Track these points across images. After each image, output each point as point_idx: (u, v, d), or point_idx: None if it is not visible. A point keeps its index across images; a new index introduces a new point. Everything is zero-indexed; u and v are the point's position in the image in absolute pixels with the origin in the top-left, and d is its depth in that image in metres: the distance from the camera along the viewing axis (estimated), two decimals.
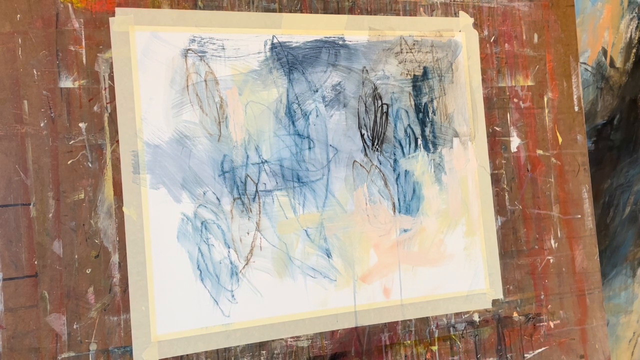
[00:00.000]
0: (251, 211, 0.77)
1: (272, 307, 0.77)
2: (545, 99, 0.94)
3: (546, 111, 0.94)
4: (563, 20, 0.97)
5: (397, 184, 0.84)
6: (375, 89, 0.84)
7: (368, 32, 0.85)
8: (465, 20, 0.90)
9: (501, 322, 0.89)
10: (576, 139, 0.95)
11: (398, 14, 0.87)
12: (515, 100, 0.92)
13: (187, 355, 0.73)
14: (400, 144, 0.85)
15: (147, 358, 0.71)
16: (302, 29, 0.81)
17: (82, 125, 0.71)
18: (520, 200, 0.92)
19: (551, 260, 0.93)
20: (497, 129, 0.91)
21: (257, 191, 0.77)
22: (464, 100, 0.89)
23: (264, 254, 0.77)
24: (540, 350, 0.91)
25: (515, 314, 0.90)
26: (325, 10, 0.83)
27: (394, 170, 0.84)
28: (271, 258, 0.77)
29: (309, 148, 0.80)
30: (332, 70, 0.82)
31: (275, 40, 0.80)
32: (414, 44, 0.87)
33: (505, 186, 0.91)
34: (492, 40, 0.92)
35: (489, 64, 0.92)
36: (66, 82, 0.71)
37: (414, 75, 0.87)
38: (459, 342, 0.86)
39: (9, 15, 0.69)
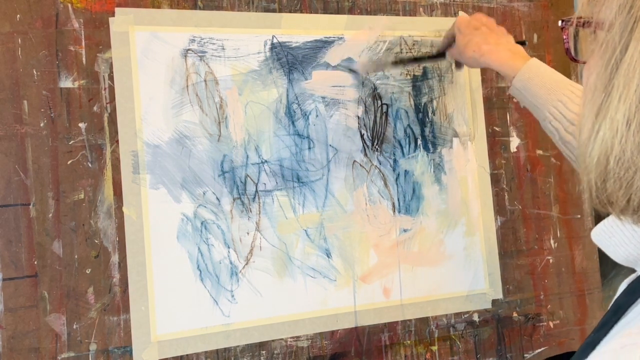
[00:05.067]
0: (251, 211, 0.77)
1: (272, 307, 0.76)
2: None
3: None
4: None
5: (397, 184, 0.84)
6: (375, 89, 0.84)
7: (368, 32, 0.85)
8: None
9: (501, 322, 0.89)
10: None
11: (398, 14, 0.87)
12: (515, 100, 0.92)
13: (187, 355, 0.73)
14: (400, 144, 0.85)
15: (147, 358, 0.71)
16: (302, 29, 0.81)
17: (82, 125, 0.71)
18: (520, 200, 0.92)
19: (551, 260, 0.93)
20: (497, 129, 0.91)
21: (257, 191, 0.77)
22: (463, 100, 0.89)
23: (264, 254, 0.77)
24: (540, 350, 0.91)
25: (515, 314, 0.90)
26: (325, 10, 0.83)
27: (394, 170, 0.84)
28: (271, 258, 0.77)
29: (309, 148, 0.80)
30: (332, 70, 0.82)
31: (275, 40, 0.80)
32: (414, 44, 0.87)
33: (505, 186, 0.91)
34: None
35: None
36: (66, 82, 0.71)
37: (414, 75, 0.87)
38: (458, 342, 0.86)
39: (9, 15, 0.69)
